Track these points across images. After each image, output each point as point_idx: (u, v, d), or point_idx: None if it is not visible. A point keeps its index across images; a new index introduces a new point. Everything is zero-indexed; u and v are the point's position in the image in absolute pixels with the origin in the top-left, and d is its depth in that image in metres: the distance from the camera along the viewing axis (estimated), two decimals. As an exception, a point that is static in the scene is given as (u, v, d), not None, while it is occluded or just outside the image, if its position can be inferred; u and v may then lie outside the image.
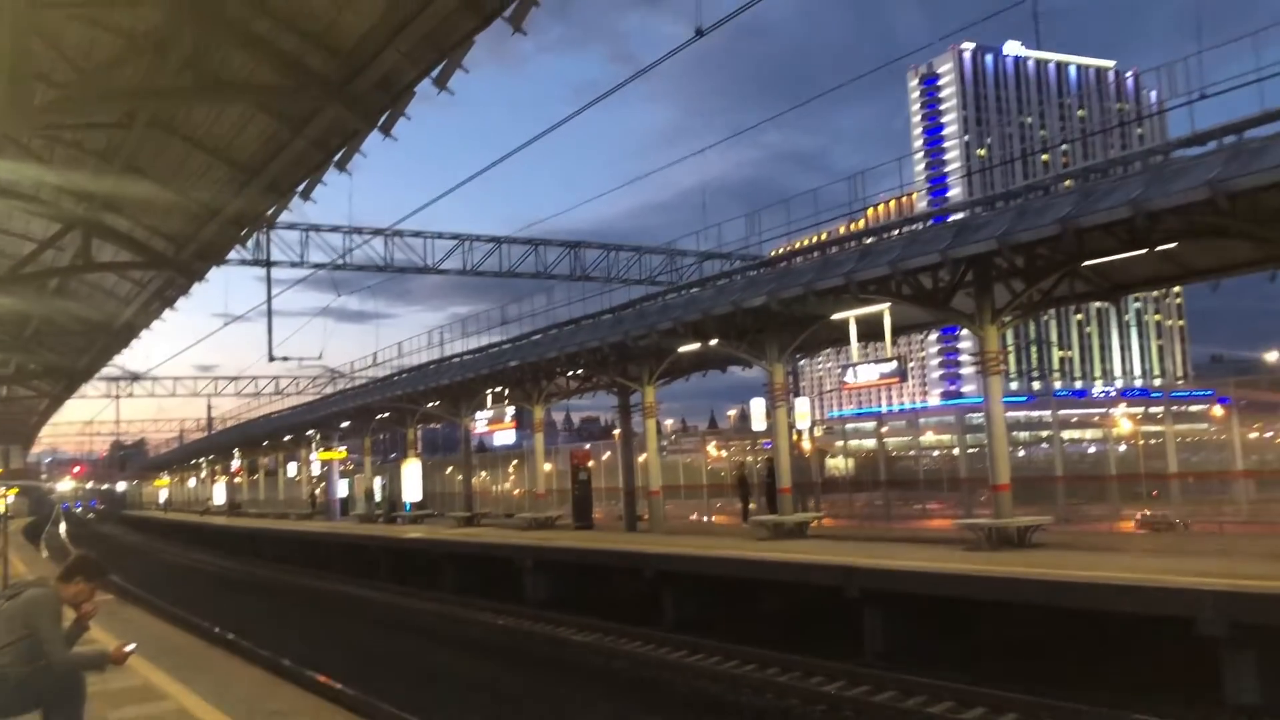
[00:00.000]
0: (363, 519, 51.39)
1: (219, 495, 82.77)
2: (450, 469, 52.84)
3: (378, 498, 52.10)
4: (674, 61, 13.70)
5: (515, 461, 48.55)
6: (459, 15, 9.61)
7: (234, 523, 64.83)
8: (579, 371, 34.48)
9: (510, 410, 36.27)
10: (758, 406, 32.95)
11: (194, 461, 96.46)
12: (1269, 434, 26.18)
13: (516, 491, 47.22)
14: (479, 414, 37.83)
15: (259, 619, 26.19)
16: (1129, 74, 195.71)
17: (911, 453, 35.64)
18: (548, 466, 37.92)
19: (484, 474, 50.68)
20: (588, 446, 43.57)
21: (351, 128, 11.77)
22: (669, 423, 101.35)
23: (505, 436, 37.98)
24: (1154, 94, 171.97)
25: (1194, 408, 30.54)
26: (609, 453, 39.85)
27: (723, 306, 24.89)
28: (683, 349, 27.93)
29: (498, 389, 36.73)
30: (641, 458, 33.78)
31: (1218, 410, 26.27)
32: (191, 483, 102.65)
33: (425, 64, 10.40)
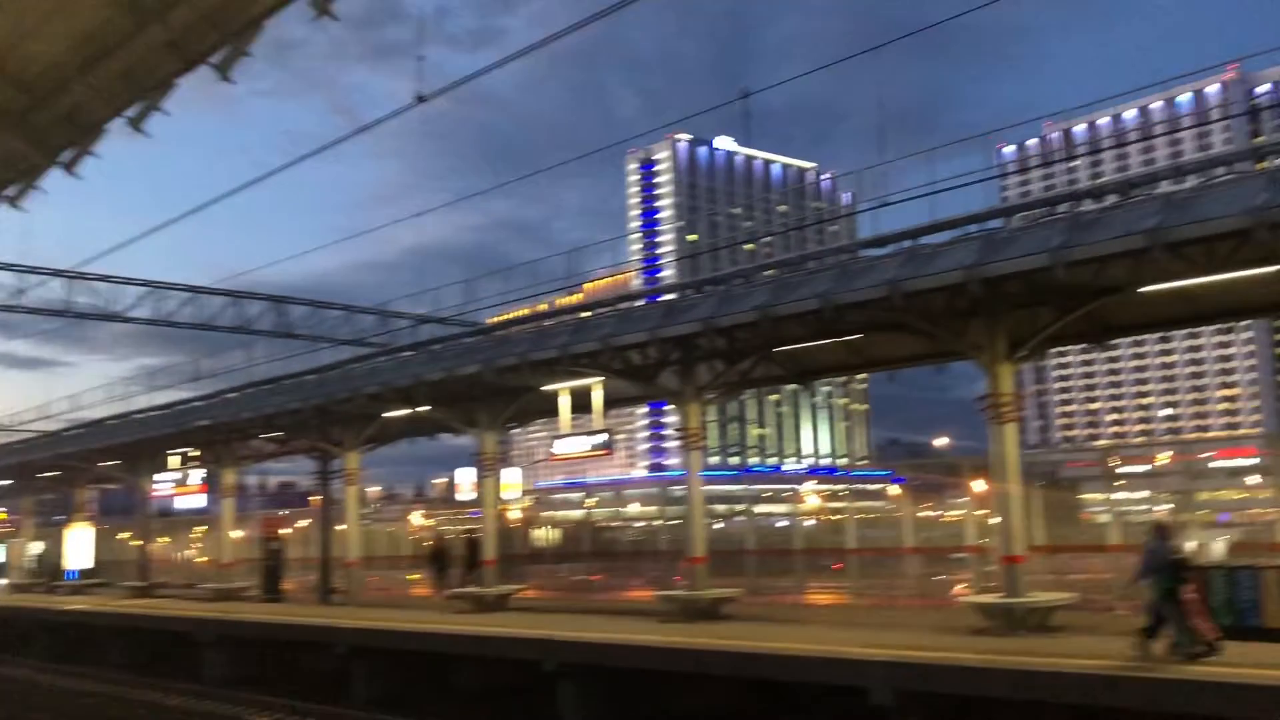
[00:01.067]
0: (19, 588, 46.18)
1: None
2: (127, 534, 48.55)
3: (39, 564, 46.99)
4: (398, 120, 13.49)
5: (202, 528, 45.29)
6: (160, 56, 9.04)
7: None
8: (278, 434, 32.80)
9: (199, 473, 33.92)
10: (466, 475, 32.52)
11: None
12: (937, 513, 28.55)
13: (202, 560, 44.00)
14: (163, 475, 35.11)
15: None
16: (826, 176, 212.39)
17: (616, 524, 36.22)
18: (237, 534, 35.61)
19: (165, 540, 46.89)
20: (283, 513, 41.40)
21: (29, 162, 10.75)
22: (373, 490, 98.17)
23: (193, 500, 35.41)
24: (846, 196, 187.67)
25: (873, 486, 32.71)
26: (306, 520, 38.01)
27: (435, 373, 24.52)
28: (391, 414, 27.23)
29: (186, 449, 34.28)
30: (342, 526, 32.43)
31: (894, 489, 28.32)
32: None
33: (120, 103, 9.67)
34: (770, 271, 22.16)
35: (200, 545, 45.37)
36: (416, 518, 41.85)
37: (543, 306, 31.88)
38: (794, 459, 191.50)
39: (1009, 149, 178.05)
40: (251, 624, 25.31)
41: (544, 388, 23.76)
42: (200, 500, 35.73)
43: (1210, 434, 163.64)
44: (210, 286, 38.16)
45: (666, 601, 21.42)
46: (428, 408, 25.95)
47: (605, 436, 23.79)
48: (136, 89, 9.45)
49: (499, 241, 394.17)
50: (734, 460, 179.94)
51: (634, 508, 39.38)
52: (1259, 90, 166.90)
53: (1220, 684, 11.42)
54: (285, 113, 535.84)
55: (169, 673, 24.80)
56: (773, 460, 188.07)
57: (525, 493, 45.24)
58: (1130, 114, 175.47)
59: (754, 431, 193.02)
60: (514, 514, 33.58)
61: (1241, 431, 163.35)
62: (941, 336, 17.92)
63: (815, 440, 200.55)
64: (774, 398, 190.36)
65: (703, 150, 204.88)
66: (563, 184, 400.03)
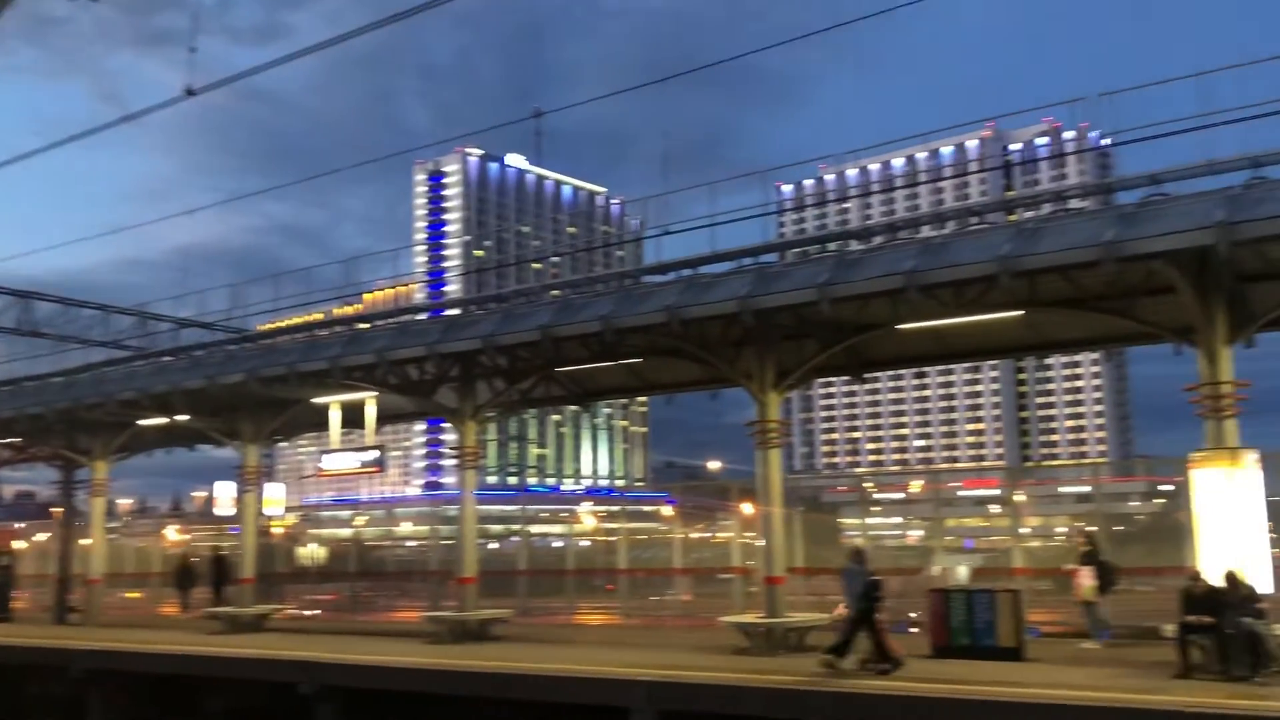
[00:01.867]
0: None
1: None
2: None
3: None
4: (171, 113, 12.80)
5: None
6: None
7: None
8: (15, 440, 30.24)
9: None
10: (225, 489, 30.84)
11: None
12: (708, 534, 29.26)
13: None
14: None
15: None
16: (615, 201, 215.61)
17: (387, 543, 35.35)
18: (-38, 547, 32.50)
19: None
20: (18, 525, 38.19)
21: None
22: (124, 502, 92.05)
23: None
24: (635, 222, 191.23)
25: (648, 508, 33.16)
26: (46, 534, 35.18)
27: (196, 380, 23.24)
28: (146, 422, 25.61)
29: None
30: (87, 540, 30.17)
31: (667, 511, 28.81)
32: None
33: None
34: (555, 292, 22.23)
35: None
36: (171, 533, 39.40)
37: (318, 316, 30.80)
38: (573, 479, 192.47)
39: (787, 187, 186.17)
40: (-30, 647, 23.12)
41: (314, 400, 22.94)
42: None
43: (959, 465, 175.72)
44: (-56, 277, 34.86)
45: (434, 623, 21.01)
46: (186, 417, 24.56)
47: (377, 453, 23.18)
48: None
49: (275, 245, 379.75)
50: (513, 480, 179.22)
51: (406, 527, 38.52)
52: (1012, 148, 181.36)
53: (969, 701, 12.16)
54: (43, 94, 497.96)
55: None
56: (552, 480, 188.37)
57: (291, 509, 43.43)
58: (899, 162, 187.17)
59: (534, 451, 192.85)
60: (278, 530, 32.16)
61: (986, 463, 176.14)
62: (716, 363, 18.43)
63: (595, 461, 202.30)
64: (555, 418, 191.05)
65: (494, 166, 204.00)
66: (346, 190, 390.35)
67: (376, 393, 21.92)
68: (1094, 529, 18.91)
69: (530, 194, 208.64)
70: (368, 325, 23.98)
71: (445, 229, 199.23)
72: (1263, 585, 13.31)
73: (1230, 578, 13.13)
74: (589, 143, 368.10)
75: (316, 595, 31.29)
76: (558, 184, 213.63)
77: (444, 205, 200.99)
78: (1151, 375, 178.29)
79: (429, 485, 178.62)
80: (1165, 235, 13.36)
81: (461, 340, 19.78)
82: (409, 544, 35.43)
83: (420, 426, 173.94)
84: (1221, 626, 12.82)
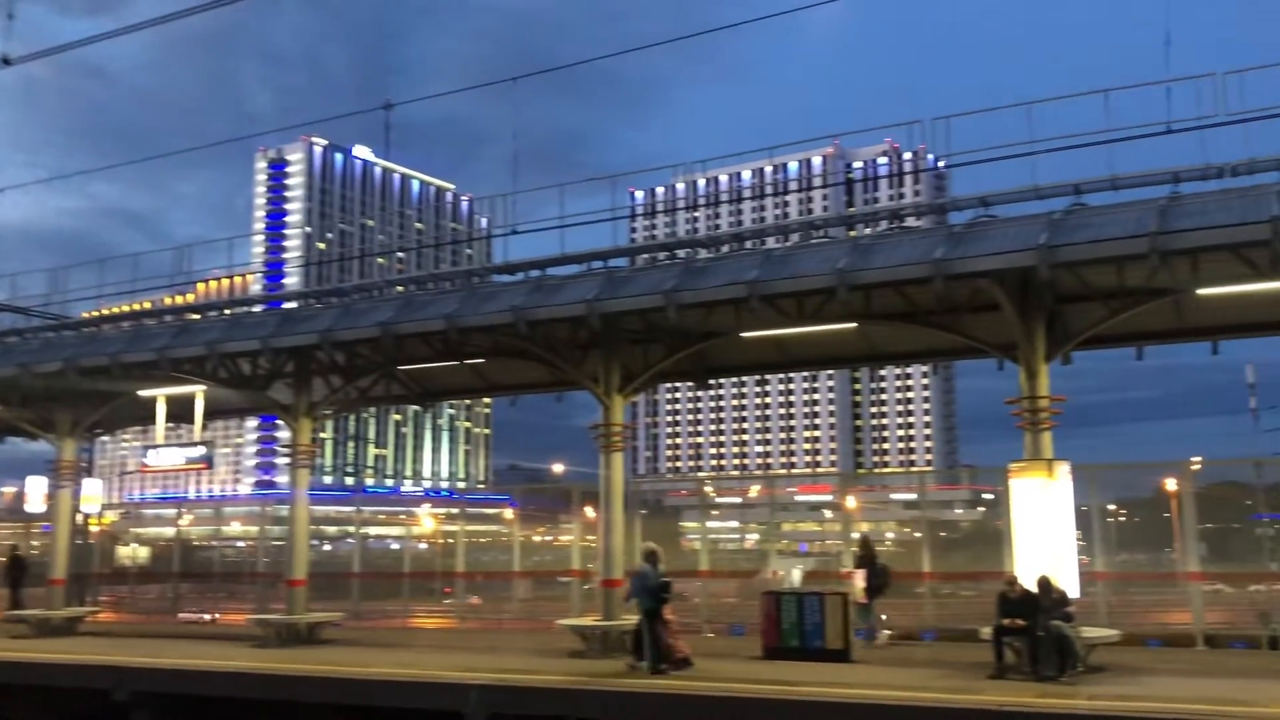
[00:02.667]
0: None
1: None
2: None
3: None
4: (-21, 83, 11.92)
5: None
6: None
7: None
8: None
9: None
10: (37, 485, 29.01)
11: None
12: (550, 537, 29.22)
13: None
14: None
15: None
16: (465, 198, 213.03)
17: (213, 543, 33.99)
18: None
19: None
20: None
21: None
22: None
23: None
24: (484, 220, 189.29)
25: (490, 510, 32.85)
26: None
27: (6, 368, 21.81)
28: (-52, 412, 23.89)
29: None
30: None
31: (508, 513, 28.58)
32: None
33: None
34: (399, 288, 21.76)
35: None
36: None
37: (146, 304, 29.36)
38: (413, 481, 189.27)
39: (639, 193, 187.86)
40: None
41: (139, 393, 21.86)
42: None
43: (796, 470, 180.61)
44: None
45: (261, 626, 20.30)
46: (-5, 407, 23.05)
47: (204, 450, 22.25)
48: None
49: (101, 229, 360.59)
50: (350, 480, 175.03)
51: (235, 526, 37.08)
52: (855, 165, 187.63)
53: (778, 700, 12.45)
54: None
55: None
56: (391, 481, 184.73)
57: (112, 506, 41.26)
58: (747, 174, 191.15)
59: (372, 451, 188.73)
60: (96, 529, 30.46)
61: (821, 470, 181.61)
62: (562, 366, 18.39)
63: (435, 462, 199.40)
64: (396, 417, 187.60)
65: (339, 157, 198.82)
66: (180, 174, 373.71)
67: (206, 386, 21.06)
68: (868, 534, 19.72)
69: (376, 187, 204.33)
70: (199, 316, 23.01)
71: (286, 219, 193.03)
72: (1071, 590, 14.09)
73: (1043, 583, 13.84)
74: (440, 138, 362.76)
75: (137, 597, 29.86)
76: (405, 178, 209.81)
77: (285, 195, 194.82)
78: (976, 388, 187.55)
79: (261, 484, 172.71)
80: (991, 255, 14.01)
81: (297, 335, 19.14)
82: (238, 544, 34.09)
83: (253, 423, 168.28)
84: (1033, 629, 13.51)
